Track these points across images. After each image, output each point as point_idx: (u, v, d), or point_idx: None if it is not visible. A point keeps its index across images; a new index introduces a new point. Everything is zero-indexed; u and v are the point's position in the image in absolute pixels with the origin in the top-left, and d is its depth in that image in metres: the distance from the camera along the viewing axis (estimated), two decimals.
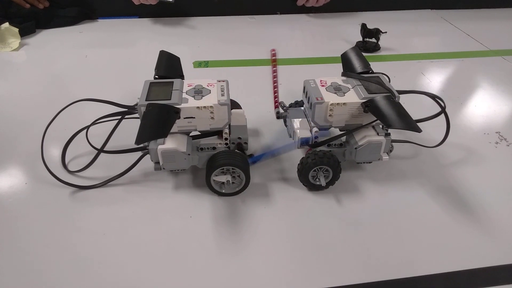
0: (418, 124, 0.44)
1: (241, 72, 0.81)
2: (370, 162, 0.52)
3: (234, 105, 0.58)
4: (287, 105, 0.61)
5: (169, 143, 0.46)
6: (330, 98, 0.48)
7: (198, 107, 0.46)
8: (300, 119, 0.53)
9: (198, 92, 0.48)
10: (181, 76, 0.52)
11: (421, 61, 0.87)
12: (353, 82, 0.51)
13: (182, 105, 0.46)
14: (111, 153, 0.53)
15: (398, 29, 1.01)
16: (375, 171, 0.55)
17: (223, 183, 0.48)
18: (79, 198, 0.50)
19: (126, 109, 0.50)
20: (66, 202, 0.49)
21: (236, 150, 0.50)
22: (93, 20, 1.07)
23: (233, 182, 0.49)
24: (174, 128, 0.47)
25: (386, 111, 0.45)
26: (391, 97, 0.47)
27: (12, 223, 0.46)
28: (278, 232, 0.46)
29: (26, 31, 0.95)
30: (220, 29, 1.04)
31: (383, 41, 0.92)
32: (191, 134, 0.50)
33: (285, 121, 0.61)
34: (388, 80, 0.52)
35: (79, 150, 0.56)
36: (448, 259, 0.43)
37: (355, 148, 0.48)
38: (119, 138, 0.53)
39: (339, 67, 0.55)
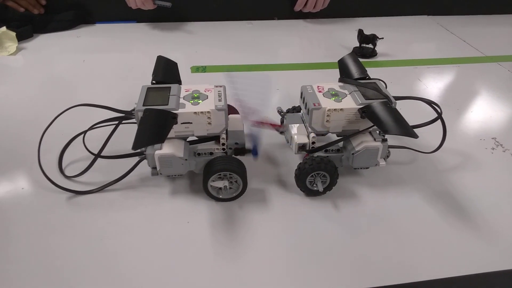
0: (414, 130, 0.44)
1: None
2: (367, 168, 0.53)
3: (232, 110, 0.58)
4: (285, 111, 0.61)
5: (166, 148, 0.46)
6: (327, 103, 0.48)
7: (195, 113, 0.46)
8: (298, 125, 0.53)
9: (195, 97, 0.48)
10: (179, 81, 0.52)
11: (418, 67, 0.88)
12: (350, 88, 0.51)
13: (179, 110, 0.46)
14: (108, 158, 0.53)
15: (394, 35, 1.02)
16: (372, 176, 0.55)
17: (220, 188, 0.48)
18: (76, 203, 0.50)
19: (123, 114, 0.50)
20: (63, 207, 0.49)
21: (233, 156, 0.50)
22: (91, 25, 1.08)
23: (230, 188, 0.49)
24: (171, 133, 0.47)
25: (382, 117, 0.45)
26: (388, 103, 0.47)
27: (9, 228, 0.46)
28: (275, 237, 0.46)
29: (23, 35, 0.96)
30: (218, 34, 1.04)
31: (379, 47, 0.93)
32: (188, 139, 0.50)
33: None
34: (384, 86, 0.52)
35: (76, 155, 0.56)
36: (445, 265, 0.43)
37: (352, 154, 0.49)
38: (116, 143, 0.53)
39: (336, 73, 0.55)
